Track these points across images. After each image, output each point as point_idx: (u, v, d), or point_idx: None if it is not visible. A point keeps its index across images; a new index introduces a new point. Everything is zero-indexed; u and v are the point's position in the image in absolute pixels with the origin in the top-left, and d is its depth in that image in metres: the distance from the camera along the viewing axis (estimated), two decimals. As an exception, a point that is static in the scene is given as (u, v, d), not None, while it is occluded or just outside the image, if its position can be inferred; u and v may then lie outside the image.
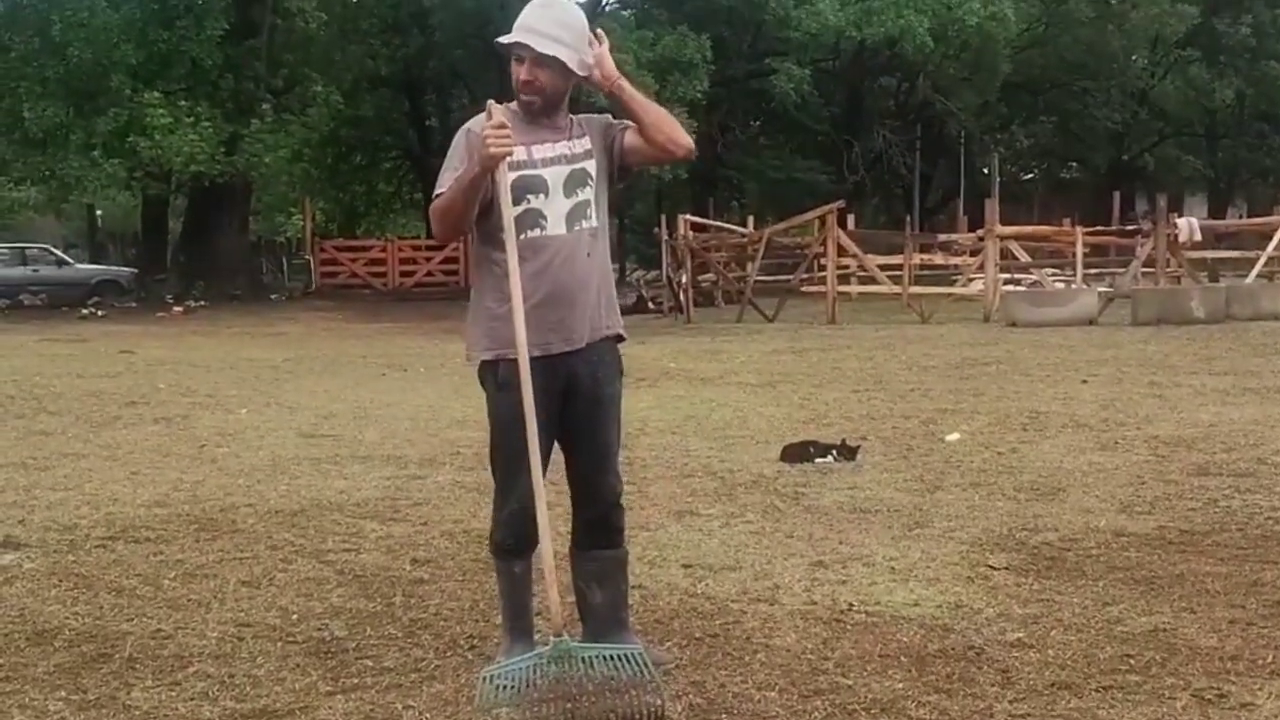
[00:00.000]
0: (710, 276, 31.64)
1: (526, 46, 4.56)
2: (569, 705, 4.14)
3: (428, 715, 4.38)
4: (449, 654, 5.03)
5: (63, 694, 4.64)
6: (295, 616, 5.54)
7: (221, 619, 5.52)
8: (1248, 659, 4.82)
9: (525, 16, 4.63)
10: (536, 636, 4.70)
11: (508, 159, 4.46)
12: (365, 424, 11.65)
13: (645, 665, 4.24)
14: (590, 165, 4.70)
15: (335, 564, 6.43)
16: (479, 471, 9.00)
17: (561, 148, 4.67)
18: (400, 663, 4.93)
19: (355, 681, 4.73)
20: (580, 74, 4.65)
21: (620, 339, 4.80)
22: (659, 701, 4.24)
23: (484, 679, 4.22)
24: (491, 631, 5.28)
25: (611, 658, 4.25)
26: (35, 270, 39.16)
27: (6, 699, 4.59)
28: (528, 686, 4.17)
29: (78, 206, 48.55)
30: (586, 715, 4.13)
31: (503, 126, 4.41)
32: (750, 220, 37.00)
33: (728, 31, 38.97)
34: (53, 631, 5.36)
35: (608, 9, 42.34)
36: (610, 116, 4.84)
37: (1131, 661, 4.81)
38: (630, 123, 4.73)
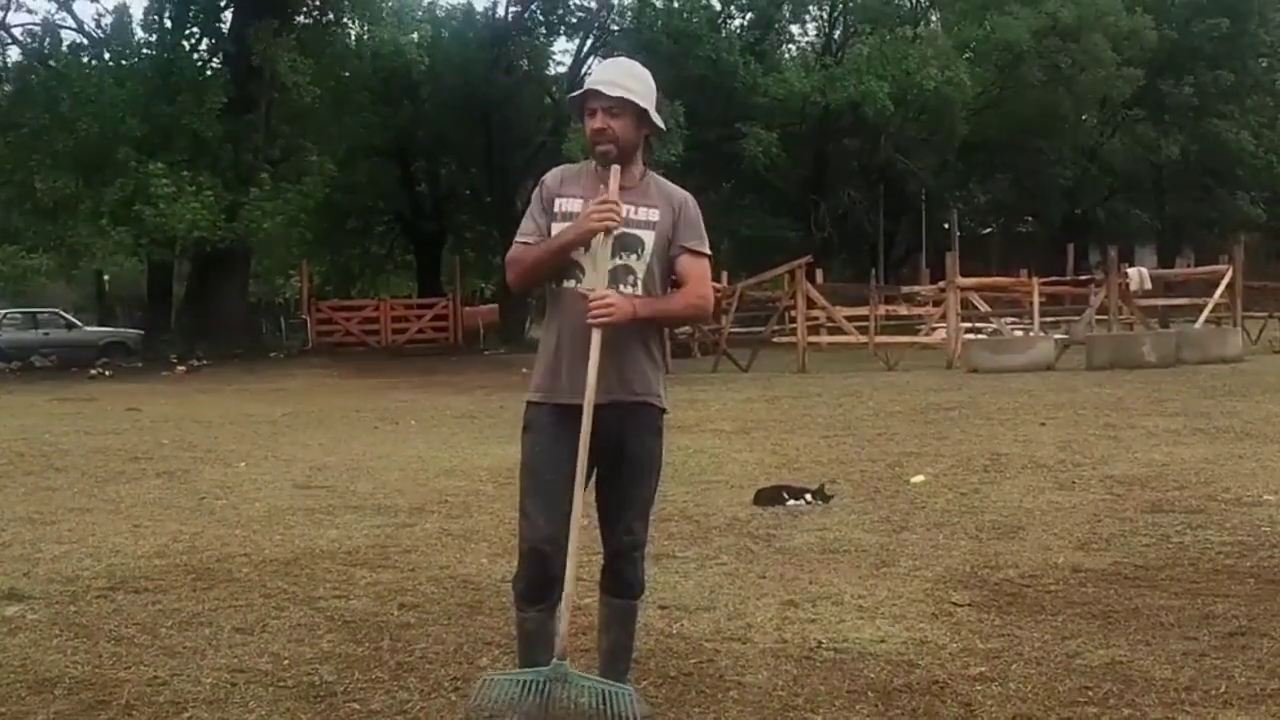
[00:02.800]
0: (687, 329, 31.61)
1: (598, 94, 4.49)
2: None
3: (412, 757, 4.31)
4: (433, 696, 4.95)
5: (61, 741, 4.56)
6: (286, 661, 5.46)
7: (216, 665, 5.44)
8: (1201, 689, 4.77)
9: (594, 73, 4.64)
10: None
11: (566, 214, 4.50)
12: (358, 475, 11.57)
13: (632, 709, 4.17)
14: (647, 235, 4.54)
15: (326, 610, 6.35)
16: (465, 519, 8.98)
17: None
18: (386, 705, 4.85)
19: (343, 725, 4.65)
20: (655, 123, 4.58)
21: (654, 408, 4.61)
22: None
23: (482, 682, 4.21)
24: (475, 674, 5.18)
25: (602, 693, 4.20)
26: (46, 333, 38.99)
27: (6, 747, 4.50)
28: (518, 699, 4.15)
29: (86, 272, 48.32)
30: None
31: (612, 202, 4.40)
32: (724, 275, 37.01)
33: (700, 98, 39.07)
34: (53, 680, 5.27)
35: (587, 79, 42.49)
36: (691, 204, 4.66)
37: (1090, 693, 4.76)
38: (700, 253, 4.61)
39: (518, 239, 4.64)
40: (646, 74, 4.64)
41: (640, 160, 4.66)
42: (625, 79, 4.55)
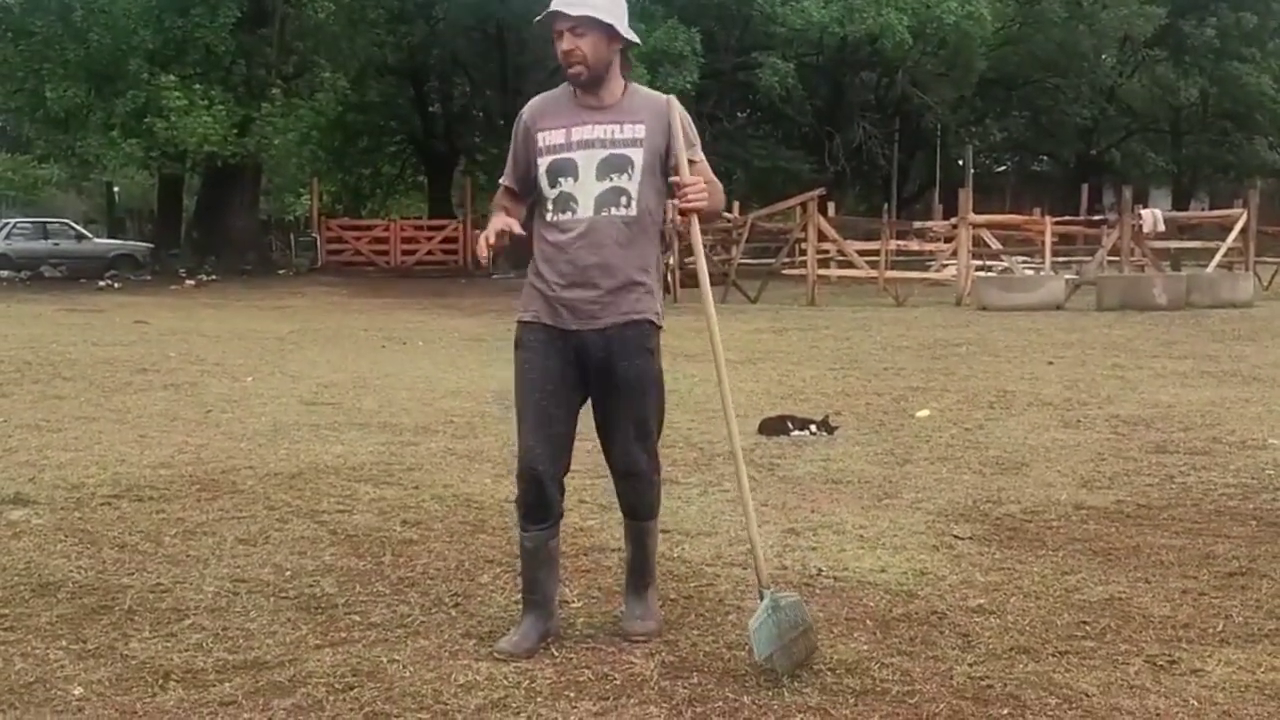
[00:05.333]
0: (692, 258, 31.54)
1: (561, 15, 4.44)
2: (790, 644, 4.29)
3: (411, 669, 4.33)
4: (434, 611, 4.98)
5: (63, 644, 4.59)
6: (288, 573, 5.50)
7: (218, 574, 5.47)
8: (1198, 627, 4.79)
9: None
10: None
11: (548, 146, 4.55)
12: (364, 393, 11.60)
13: (805, 611, 4.41)
14: (635, 153, 4.52)
15: (329, 524, 6.38)
16: (470, 439, 9.01)
17: (601, 130, 4.52)
18: (387, 618, 4.88)
19: (343, 636, 4.68)
20: (626, 37, 4.52)
21: (650, 324, 4.60)
22: (816, 640, 4.43)
23: (754, 635, 4.30)
24: (476, 590, 5.25)
25: (795, 605, 4.39)
26: (56, 244, 39.04)
27: (9, 648, 4.53)
28: (773, 636, 4.28)
29: (97, 184, 48.38)
30: (796, 651, 4.31)
31: (501, 232, 4.55)
32: (736, 206, 36.87)
33: (717, 26, 38.80)
34: (56, 584, 5.31)
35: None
36: (677, 110, 4.62)
37: (1088, 628, 4.78)
38: (698, 160, 4.60)
39: (500, 180, 4.74)
40: None
41: (618, 75, 4.61)
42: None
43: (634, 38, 4.58)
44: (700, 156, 4.62)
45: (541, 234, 4.61)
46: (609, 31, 4.48)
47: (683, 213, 4.51)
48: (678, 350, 15.09)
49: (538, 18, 4.54)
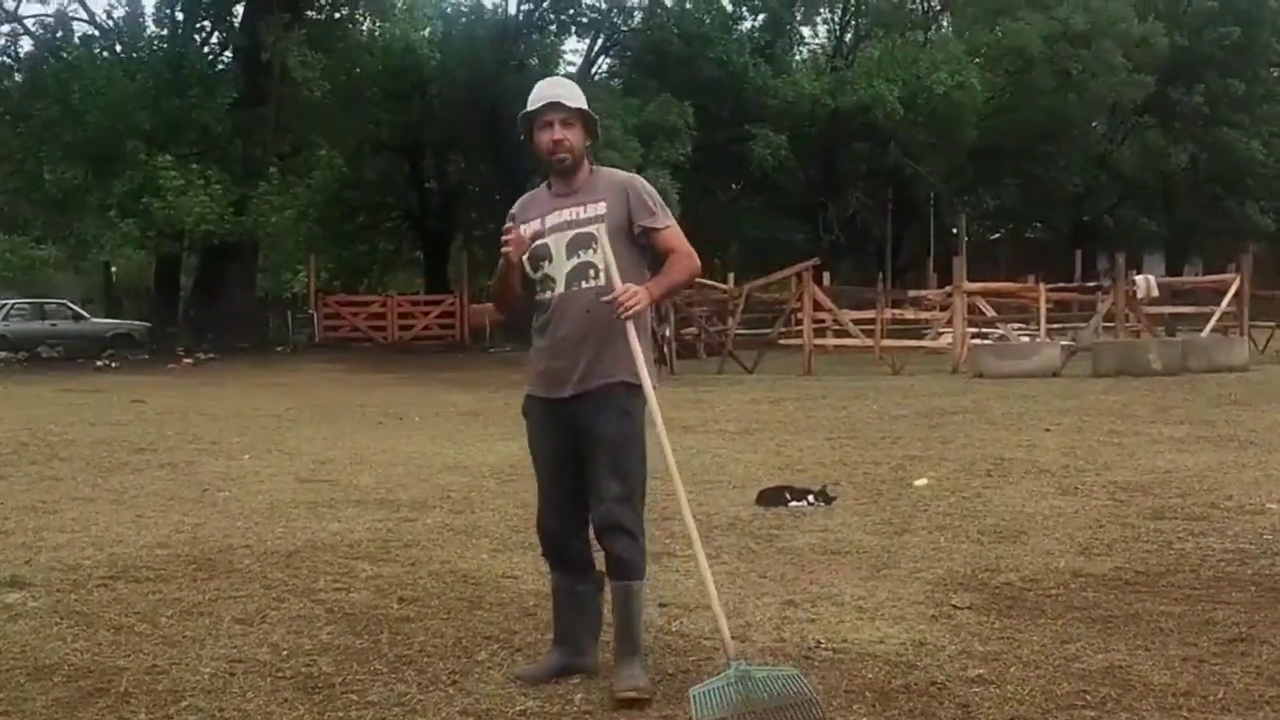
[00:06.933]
0: (693, 330, 31.64)
1: (560, 106, 4.90)
2: (759, 717, 4.35)
3: (409, 749, 4.31)
4: (431, 689, 4.96)
5: (58, 728, 4.57)
6: (285, 652, 5.47)
7: (215, 655, 5.45)
8: (1199, 695, 4.77)
9: (543, 89, 5.00)
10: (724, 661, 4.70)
11: (530, 236, 4.95)
12: (361, 469, 11.58)
13: (805, 684, 4.50)
14: (598, 229, 4.90)
15: (326, 602, 6.36)
16: (468, 514, 9.00)
17: (568, 214, 4.95)
18: (384, 697, 4.86)
19: (340, 715, 4.66)
20: (596, 131, 5.04)
21: (627, 385, 4.88)
22: (822, 715, 4.45)
23: (694, 697, 4.42)
24: (473, 667, 5.22)
25: (779, 679, 4.49)
26: (53, 325, 39.06)
27: (4, 733, 4.51)
28: (728, 703, 4.38)
29: (94, 264, 48.36)
30: None
31: (507, 229, 4.94)
32: (731, 277, 36.98)
33: (710, 99, 39.08)
34: (52, 667, 5.29)
35: (597, 78, 42.47)
36: (635, 184, 5.06)
37: (1088, 697, 4.76)
38: (658, 228, 4.98)
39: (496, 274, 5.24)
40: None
41: (586, 162, 5.05)
42: (573, 92, 4.98)
43: (598, 132, 5.11)
44: (665, 224, 4.99)
45: (535, 314, 5.05)
46: (588, 123, 4.98)
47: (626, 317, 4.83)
48: (675, 421, 15.06)
49: (526, 111, 4.96)
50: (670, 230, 5.00)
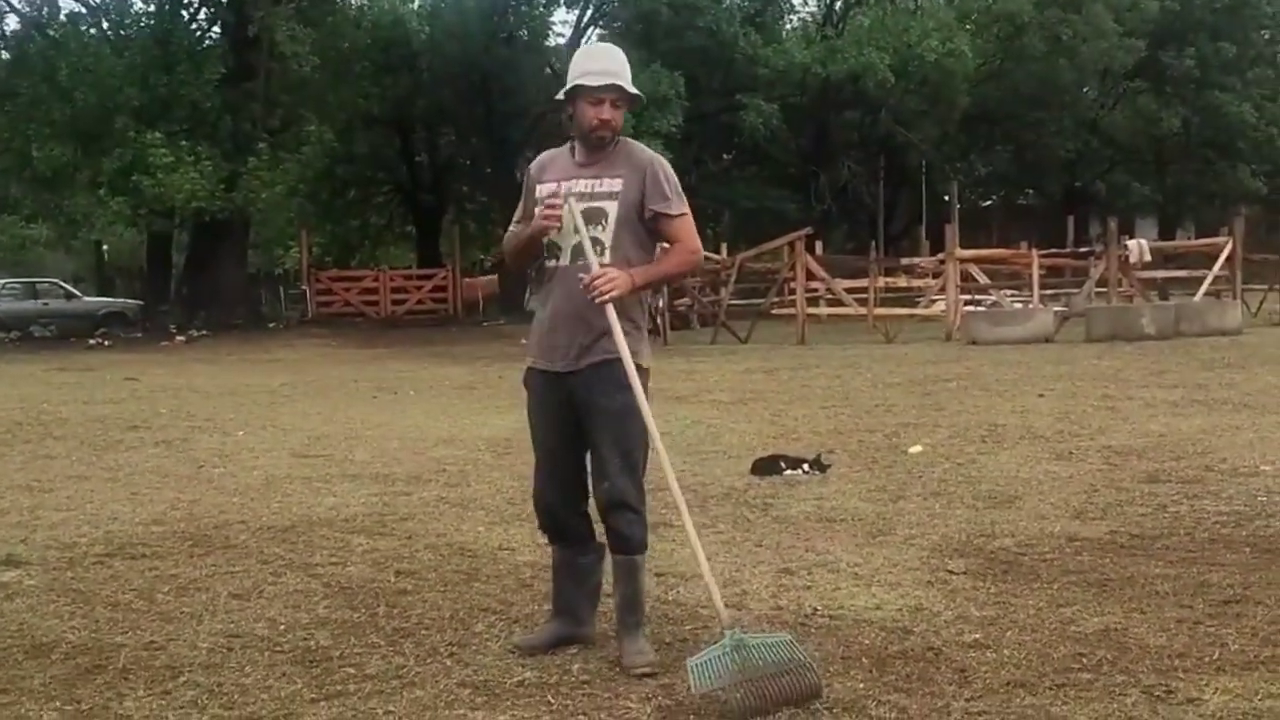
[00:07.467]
0: (686, 300, 31.64)
1: (620, 89, 4.84)
2: (757, 685, 4.32)
3: (407, 720, 4.33)
4: (429, 661, 4.97)
5: (57, 704, 4.57)
6: (283, 627, 5.48)
7: (212, 630, 5.46)
8: (1194, 656, 4.79)
9: (598, 61, 4.92)
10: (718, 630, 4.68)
11: (545, 197, 4.87)
12: (356, 444, 11.58)
13: (800, 650, 4.47)
14: (611, 205, 4.86)
15: (323, 577, 6.37)
16: (463, 488, 9.00)
17: (583, 184, 4.88)
18: (382, 670, 4.87)
19: (339, 689, 4.67)
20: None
21: (621, 362, 4.79)
22: (818, 680, 4.43)
23: (692, 668, 4.36)
24: (471, 639, 5.23)
25: (773, 645, 4.45)
26: (45, 304, 38.93)
27: (3, 710, 4.51)
28: (725, 672, 4.35)
29: (85, 242, 48.30)
30: (770, 693, 4.32)
31: (554, 205, 4.80)
32: (723, 247, 36.95)
33: (700, 69, 38.97)
34: (50, 645, 5.29)
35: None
36: (656, 166, 4.94)
37: (1084, 660, 4.77)
38: (671, 215, 4.91)
39: (512, 223, 5.16)
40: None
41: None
42: (626, 70, 4.89)
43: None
44: (678, 211, 4.92)
45: (539, 279, 5.03)
46: (633, 104, 4.95)
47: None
48: (668, 393, 15.12)
49: (585, 82, 4.82)
50: (682, 220, 4.93)
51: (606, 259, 4.81)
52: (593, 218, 4.83)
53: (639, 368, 4.83)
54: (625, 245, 4.85)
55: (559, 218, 4.80)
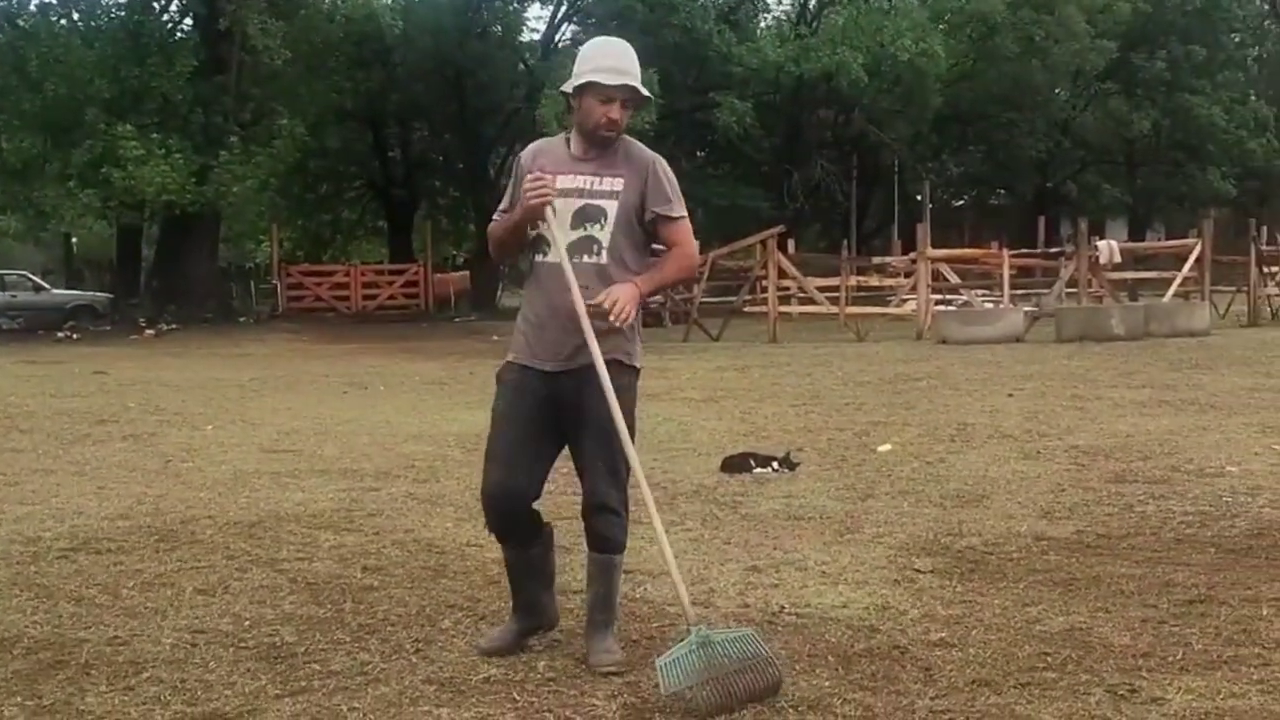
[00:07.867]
0: (658, 298, 31.61)
1: (633, 90, 4.74)
2: (723, 682, 4.32)
3: (371, 716, 4.31)
4: (394, 657, 4.95)
5: (18, 700, 4.53)
6: (248, 623, 5.45)
7: (176, 626, 5.42)
8: (1159, 656, 4.80)
9: (613, 58, 4.78)
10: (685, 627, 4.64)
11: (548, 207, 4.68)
12: (325, 439, 11.55)
13: (761, 644, 4.45)
14: (610, 205, 4.74)
15: (289, 572, 6.34)
16: (432, 484, 8.97)
17: (581, 180, 4.75)
18: (347, 666, 4.85)
19: (303, 685, 4.64)
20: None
21: (619, 364, 4.74)
22: (779, 673, 4.44)
23: (661, 668, 4.34)
24: (437, 635, 5.22)
25: (738, 640, 4.44)
26: (13, 296, 38.65)
27: (-37, 706, 4.48)
28: (694, 669, 4.33)
29: (54, 234, 48.03)
30: (735, 689, 4.32)
31: (539, 178, 4.64)
32: (696, 245, 36.95)
33: (674, 67, 38.92)
34: (11, 640, 5.25)
35: (560, 45, 42.23)
36: (658, 166, 4.83)
37: (1049, 659, 4.78)
38: (672, 217, 4.84)
39: (496, 212, 4.97)
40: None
41: None
42: (638, 70, 4.79)
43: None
44: (679, 213, 4.85)
45: (526, 273, 4.92)
46: (642, 106, 4.89)
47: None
48: (640, 389, 15.06)
49: (605, 82, 4.70)
50: (681, 222, 4.85)
51: (603, 259, 4.72)
52: (590, 216, 4.72)
53: (632, 368, 4.82)
54: (621, 246, 4.75)
55: (549, 194, 4.64)
